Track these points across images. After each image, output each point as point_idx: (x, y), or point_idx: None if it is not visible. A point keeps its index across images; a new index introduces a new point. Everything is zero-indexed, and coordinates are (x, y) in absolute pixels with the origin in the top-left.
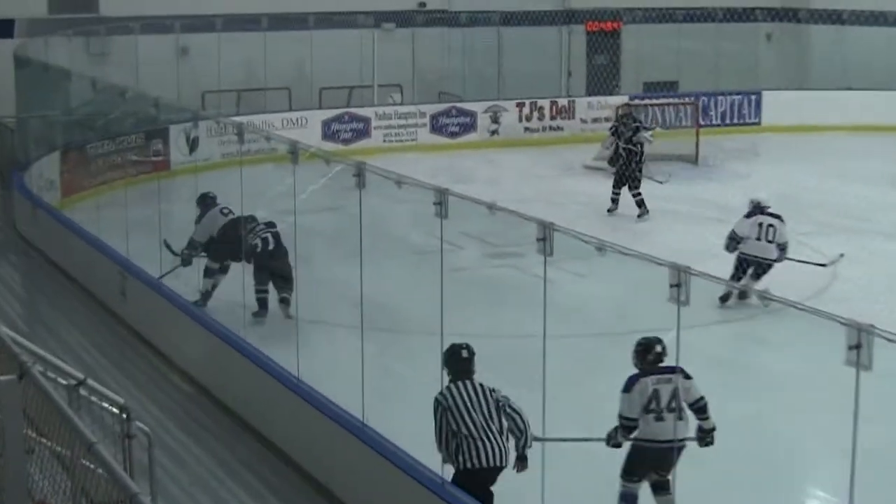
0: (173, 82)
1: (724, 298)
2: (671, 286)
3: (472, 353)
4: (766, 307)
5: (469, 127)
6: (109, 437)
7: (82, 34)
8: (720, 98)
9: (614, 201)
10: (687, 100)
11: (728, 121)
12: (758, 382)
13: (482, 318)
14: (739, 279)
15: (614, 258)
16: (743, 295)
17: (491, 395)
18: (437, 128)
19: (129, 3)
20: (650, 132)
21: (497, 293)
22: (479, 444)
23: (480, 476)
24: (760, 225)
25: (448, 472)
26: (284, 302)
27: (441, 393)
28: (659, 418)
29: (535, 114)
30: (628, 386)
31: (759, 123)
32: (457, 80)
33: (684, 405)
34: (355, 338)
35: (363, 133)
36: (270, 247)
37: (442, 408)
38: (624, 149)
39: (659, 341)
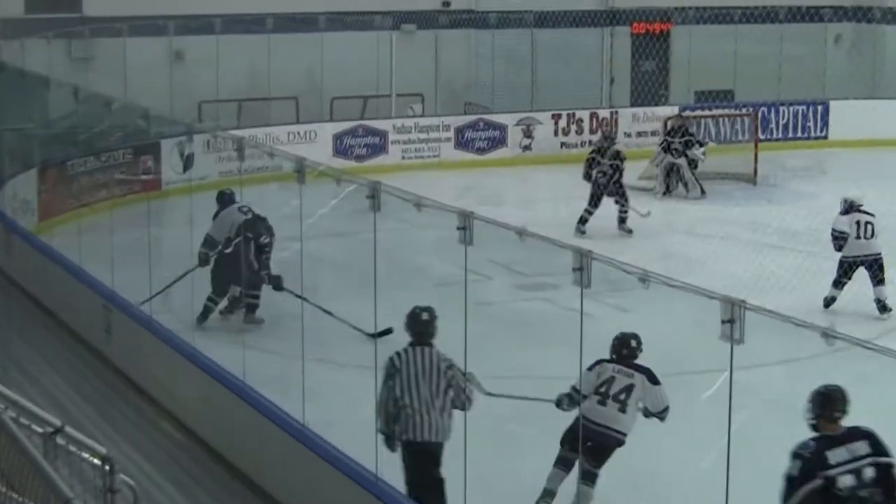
0: (166, 91)
1: (827, 303)
2: (723, 322)
3: (432, 317)
4: (831, 345)
5: (499, 141)
6: (90, 492)
7: (63, 36)
8: (782, 109)
9: (584, 221)
10: (744, 111)
11: (791, 135)
12: None
13: (512, 357)
14: (844, 284)
15: (660, 290)
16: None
17: (444, 371)
18: (462, 143)
19: (115, 1)
20: (703, 149)
21: (528, 329)
22: (418, 417)
23: (417, 450)
24: (858, 223)
25: None
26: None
27: (397, 353)
28: (602, 402)
29: (573, 127)
30: (592, 366)
31: (825, 137)
32: (485, 89)
33: (639, 404)
34: (368, 379)
35: (379, 149)
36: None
37: (394, 369)
38: (611, 164)
39: (634, 336)
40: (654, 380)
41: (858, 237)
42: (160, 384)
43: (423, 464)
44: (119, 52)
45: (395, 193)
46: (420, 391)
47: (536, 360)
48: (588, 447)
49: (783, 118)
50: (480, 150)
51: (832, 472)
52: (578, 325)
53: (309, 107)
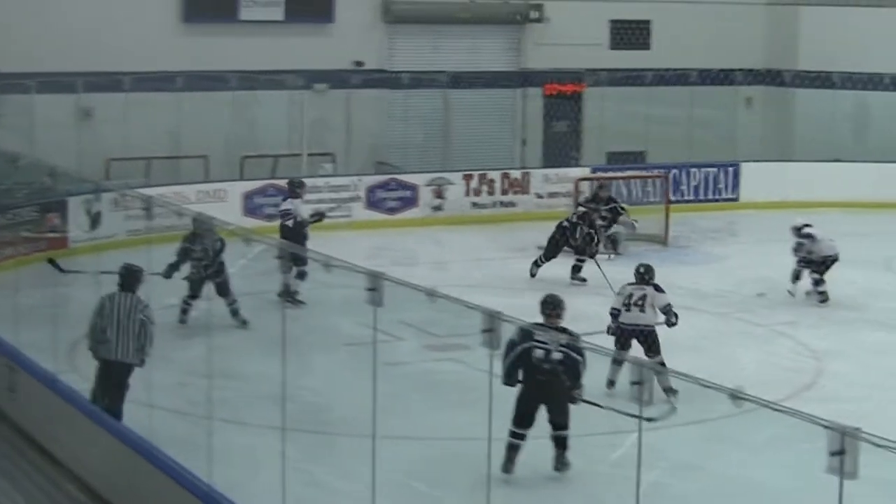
0: (74, 148)
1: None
2: (632, 384)
3: (131, 271)
4: (739, 407)
5: (410, 202)
6: None
7: None
8: (693, 171)
9: (578, 269)
10: (656, 172)
11: (702, 196)
12: (731, 491)
13: (422, 418)
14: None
15: None
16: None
17: (138, 313)
18: (373, 202)
19: (23, 57)
20: (636, 223)
21: (438, 390)
22: (113, 341)
23: (113, 368)
24: (823, 232)
25: None
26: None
27: (108, 295)
28: (628, 309)
29: (485, 187)
30: (620, 290)
31: (736, 199)
32: (397, 149)
33: (653, 304)
34: (276, 440)
35: None
36: None
37: (99, 306)
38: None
39: (645, 265)
40: (659, 290)
41: (832, 240)
42: (65, 445)
43: (116, 377)
44: (26, 109)
45: (304, 254)
46: (121, 322)
47: (447, 420)
48: (632, 343)
49: (694, 180)
50: (391, 210)
51: (534, 343)
52: (488, 385)
53: (219, 165)
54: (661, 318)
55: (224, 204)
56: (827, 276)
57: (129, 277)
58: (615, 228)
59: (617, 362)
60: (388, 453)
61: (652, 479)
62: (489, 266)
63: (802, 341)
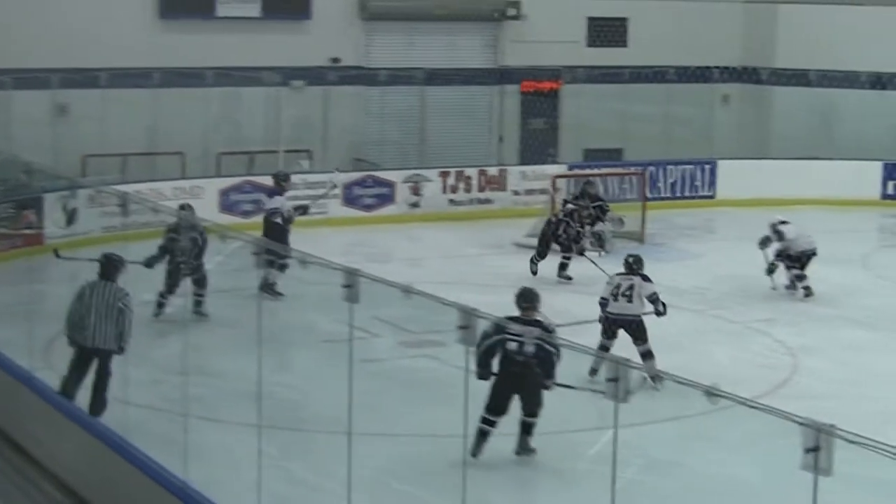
0: (50, 145)
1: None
2: (608, 380)
3: (111, 261)
4: (714, 404)
5: (387, 199)
6: None
7: None
8: (670, 168)
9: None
10: (633, 169)
11: (679, 193)
12: (707, 487)
13: (398, 415)
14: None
15: None
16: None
17: (117, 300)
18: (350, 199)
19: None
20: (622, 218)
21: (414, 386)
22: (91, 328)
23: (91, 355)
24: (798, 228)
25: None
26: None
27: (88, 282)
28: (616, 299)
29: (462, 184)
30: (609, 280)
31: (713, 196)
32: (374, 146)
33: (640, 294)
34: (252, 437)
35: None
36: None
37: (79, 294)
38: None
39: (634, 255)
40: (647, 279)
41: (809, 235)
42: (40, 443)
43: (97, 364)
44: (2, 105)
45: (281, 251)
46: (99, 309)
47: (423, 417)
48: (621, 331)
49: (671, 177)
50: (368, 207)
51: (507, 336)
52: (464, 382)
53: (195, 162)
54: (649, 307)
55: (200, 200)
56: (806, 272)
57: (110, 266)
58: (601, 226)
59: (603, 349)
60: (364, 450)
61: (629, 475)
62: (465, 263)
63: (779, 338)
